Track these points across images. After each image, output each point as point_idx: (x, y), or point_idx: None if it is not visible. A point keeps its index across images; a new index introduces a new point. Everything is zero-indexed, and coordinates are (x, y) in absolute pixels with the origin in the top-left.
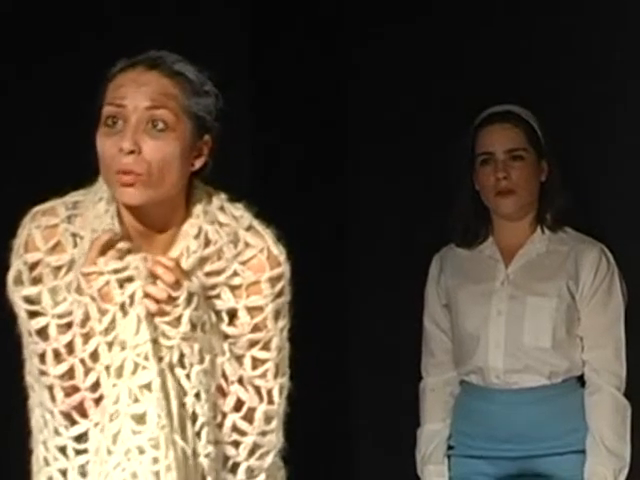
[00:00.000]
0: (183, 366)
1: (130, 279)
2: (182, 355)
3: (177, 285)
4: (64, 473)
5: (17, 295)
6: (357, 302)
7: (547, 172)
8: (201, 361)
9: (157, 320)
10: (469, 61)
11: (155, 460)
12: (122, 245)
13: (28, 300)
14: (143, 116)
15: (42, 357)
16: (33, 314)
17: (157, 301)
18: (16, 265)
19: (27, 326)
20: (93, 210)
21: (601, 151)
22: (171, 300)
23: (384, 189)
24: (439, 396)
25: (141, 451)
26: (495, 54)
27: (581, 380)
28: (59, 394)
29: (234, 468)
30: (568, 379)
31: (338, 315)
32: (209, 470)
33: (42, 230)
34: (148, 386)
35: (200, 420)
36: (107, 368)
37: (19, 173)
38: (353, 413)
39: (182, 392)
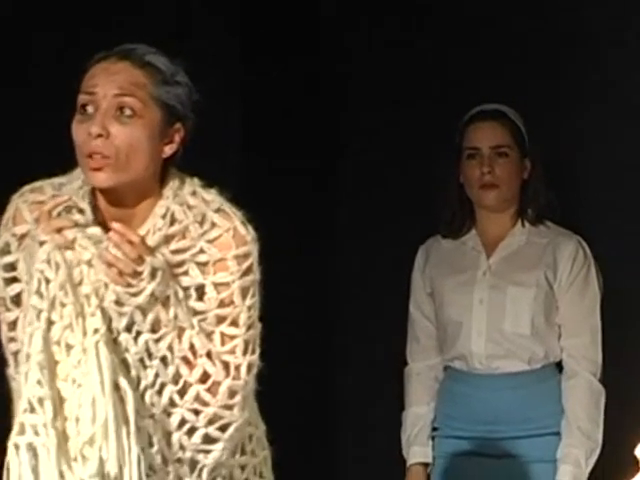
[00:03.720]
0: (129, 331)
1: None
2: (133, 322)
3: (140, 260)
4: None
5: (0, 264)
6: (345, 293)
7: (529, 170)
8: (152, 331)
9: (117, 288)
10: (459, 65)
11: (93, 417)
12: (78, 217)
13: (7, 267)
14: (112, 103)
15: (13, 324)
16: (10, 281)
17: (120, 273)
18: (4, 237)
19: (2, 294)
20: (70, 191)
21: (580, 151)
22: (136, 274)
23: (374, 183)
24: (424, 380)
25: (79, 386)
26: (484, 57)
27: (559, 366)
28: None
29: (191, 432)
30: (547, 365)
31: (324, 306)
32: (154, 430)
33: (29, 205)
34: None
35: (143, 383)
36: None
37: (20, 173)
38: (336, 401)
39: (128, 356)
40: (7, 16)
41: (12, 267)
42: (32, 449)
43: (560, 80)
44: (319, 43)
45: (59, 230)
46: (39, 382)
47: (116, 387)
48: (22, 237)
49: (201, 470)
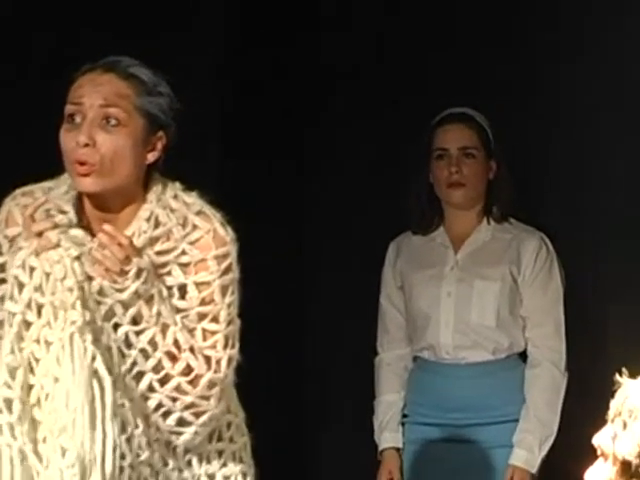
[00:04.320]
0: (108, 320)
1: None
2: (113, 314)
3: (127, 260)
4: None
5: None
6: (320, 288)
7: (495, 170)
8: (133, 323)
9: (103, 282)
10: (431, 71)
11: (67, 406)
12: (60, 219)
13: None
14: (98, 113)
15: (2, 324)
16: (1, 281)
17: (107, 270)
18: None
19: None
20: (57, 195)
21: (544, 151)
22: (123, 273)
23: (347, 185)
24: (394, 370)
25: (56, 380)
26: (456, 62)
27: (522, 357)
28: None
29: (166, 415)
30: (510, 355)
31: (297, 300)
32: (135, 413)
33: (21, 208)
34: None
35: (123, 369)
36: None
37: (20, 173)
38: (309, 389)
39: (110, 343)
40: (7, 16)
41: (2, 268)
42: None
43: (529, 85)
44: (296, 47)
45: (40, 234)
46: (6, 384)
47: (94, 374)
48: (13, 239)
49: (175, 450)
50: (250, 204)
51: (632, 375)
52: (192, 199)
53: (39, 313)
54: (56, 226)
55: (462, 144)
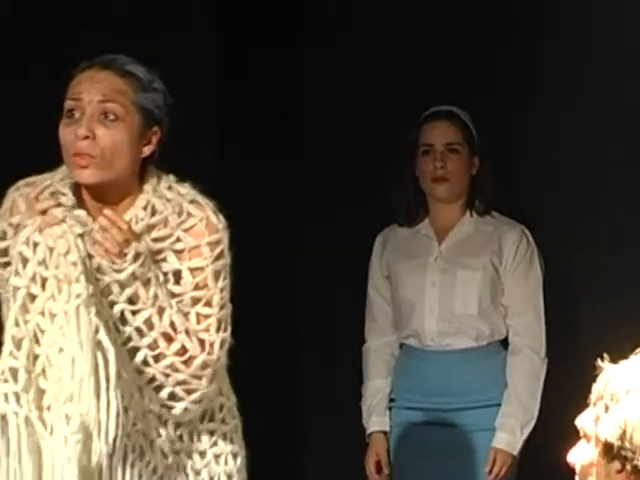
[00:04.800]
0: (106, 297)
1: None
2: (110, 292)
3: (126, 243)
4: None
5: None
6: (310, 277)
7: (478, 166)
8: (129, 302)
9: (102, 261)
10: (418, 65)
11: (72, 375)
12: (64, 200)
13: (2, 252)
14: (97, 108)
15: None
16: (5, 264)
17: (107, 251)
18: (2, 226)
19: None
20: (57, 181)
21: (524, 148)
22: (121, 255)
23: (338, 182)
24: (381, 356)
25: (61, 350)
26: (440, 59)
27: (503, 343)
28: None
29: (158, 389)
30: (492, 342)
31: (292, 291)
32: (131, 384)
33: (24, 197)
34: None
35: (118, 343)
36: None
37: (21, 173)
38: (301, 376)
39: (108, 318)
40: (7, 16)
41: (5, 252)
42: (2, 416)
43: (506, 87)
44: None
45: (44, 212)
46: (11, 354)
47: (98, 346)
48: (17, 226)
49: (166, 423)
50: (246, 198)
51: (613, 360)
52: (185, 189)
53: (43, 286)
54: (60, 205)
55: (447, 140)
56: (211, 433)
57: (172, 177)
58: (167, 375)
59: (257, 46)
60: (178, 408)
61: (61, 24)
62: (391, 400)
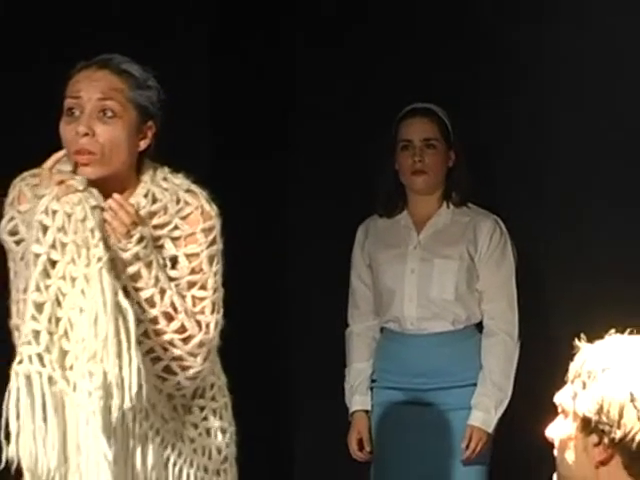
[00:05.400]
0: (110, 271)
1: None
2: (115, 266)
3: (133, 225)
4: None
5: (4, 233)
6: (297, 265)
7: (454, 160)
8: (132, 280)
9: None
10: (400, 64)
11: (95, 334)
12: (78, 178)
13: (12, 232)
14: (95, 106)
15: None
16: (17, 242)
17: (113, 229)
18: (10, 213)
19: (14, 256)
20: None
21: (499, 141)
22: (127, 236)
23: (322, 177)
24: (363, 340)
25: (82, 311)
26: (422, 57)
27: (478, 327)
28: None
29: (155, 360)
30: (468, 326)
31: (281, 277)
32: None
33: (30, 187)
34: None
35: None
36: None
37: (20, 172)
38: (292, 356)
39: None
40: (6, 16)
41: (15, 232)
42: (27, 376)
43: (480, 86)
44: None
45: (60, 182)
46: (33, 317)
47: (117, 307)
48: (24, 213)
49: (161, 392)
50: (237, 193)
51: (589, 340)
52: (180, 180)
53: (63, 252)
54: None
55: (424, 136)
56: (202, 408)
57: (167, 169)
58: (165, 349)
59: (250, 46)
60: (172, 381)
61: (61, 24)
62: (373, 381)
